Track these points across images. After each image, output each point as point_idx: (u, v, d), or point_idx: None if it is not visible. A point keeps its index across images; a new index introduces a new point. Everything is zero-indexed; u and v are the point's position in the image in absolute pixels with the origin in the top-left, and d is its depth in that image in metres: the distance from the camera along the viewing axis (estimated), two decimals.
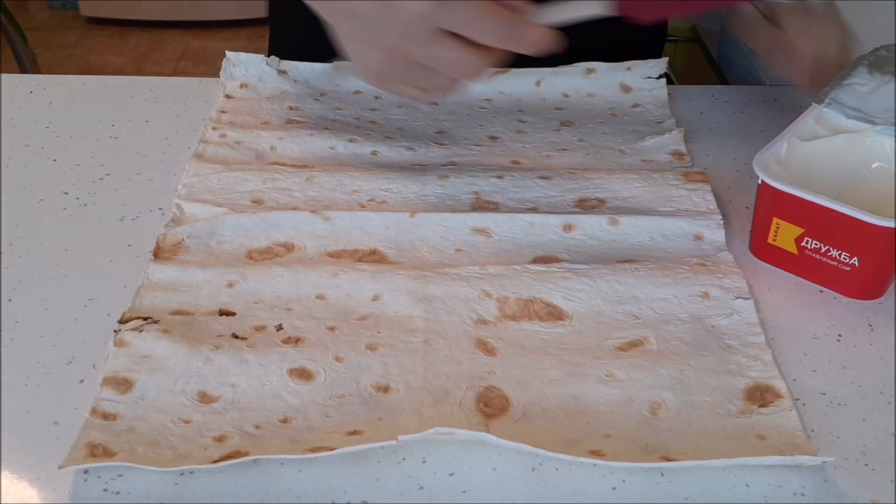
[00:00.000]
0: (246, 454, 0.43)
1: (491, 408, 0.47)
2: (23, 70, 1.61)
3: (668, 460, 0.43)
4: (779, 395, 0.47)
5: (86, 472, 0.43)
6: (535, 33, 0.54)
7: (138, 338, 0.50)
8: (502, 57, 0.55)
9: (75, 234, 0.59)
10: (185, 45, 2.78)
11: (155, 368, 0.48)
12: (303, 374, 0.48)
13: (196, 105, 0.74)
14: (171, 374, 0.48)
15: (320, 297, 0.53)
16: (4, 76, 0.77)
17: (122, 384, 0.47)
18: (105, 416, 0.45)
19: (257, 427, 0.45)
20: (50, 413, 0.47)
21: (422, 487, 0.43)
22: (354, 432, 0.45)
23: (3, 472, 0.44)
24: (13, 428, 0.46)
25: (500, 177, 0.64)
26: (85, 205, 0.62)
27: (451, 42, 0.53)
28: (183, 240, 0.57)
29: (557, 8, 0.56)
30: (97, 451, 0.43)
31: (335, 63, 0.76)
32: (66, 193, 0.63)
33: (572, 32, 0.73)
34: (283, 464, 0.44)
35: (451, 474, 0.44)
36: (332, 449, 0.43)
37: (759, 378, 0.48)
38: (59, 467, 0.42)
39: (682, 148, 0.68)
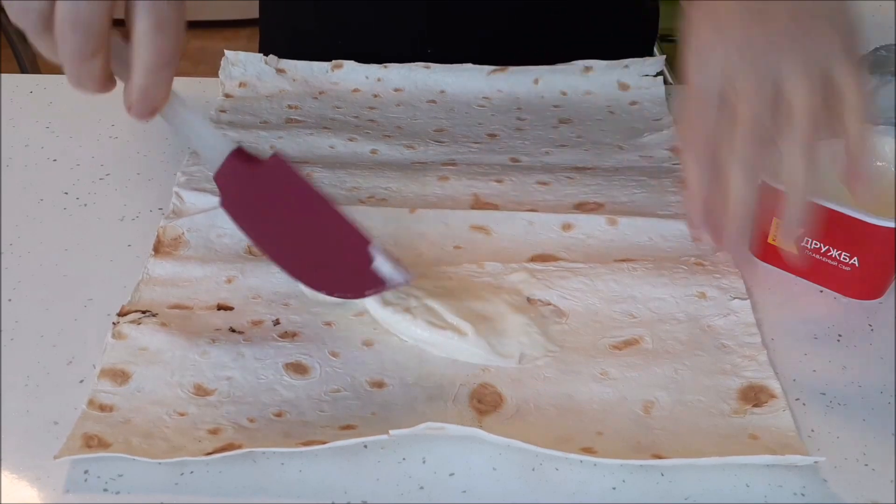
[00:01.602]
0: (239, 447, 0.43)
1: (484, 404, 0.47)
2: (23, 70, 1.61)
3: (659, 458, 0.43)
4: (773, 396, 0.47)
5: (86, 471, 0.43)
6: (150, 91, 0.43)
7: (136, 330, 0.50)
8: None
9: (75, 234, 0.59)
10: (185, 45, 2.78)
11: (152, 361, 0.48)
12: (298, 369, 0.48)
13: (196, 105, 0.73)
14: (167, 366, 0.48)
15: None
16: (4, 76, 0.77)
17: (119, 376, 0.47)
18: (101, 408, 0.45)
19: (251, 420, 0.45)
20: (50, 413, 0.47)
21: (422, 487, 0.43)
22: (348, 427, 0.45)
23: (2, 472, 0.44)
24: (13, 428, 0.46)
25: (499, 181, 0.64)
26: (85, 205, 0.62)
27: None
28: (183, 233, 0.58)
29: (191, 122, 0.49)
30: (92, 442, 0.43)
31: (333, 62, 0.77)
32: (66, 193, 0.63)
33: (566, 31, 0.73)
34: (282, 463, 0.44)
35: (451, 474, 0.44)
36: (324, 442, 0.43)
37: (753, 378, 0.48)
38: (55, 457, 0.42)
39: None
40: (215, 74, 0.77)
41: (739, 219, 0.45)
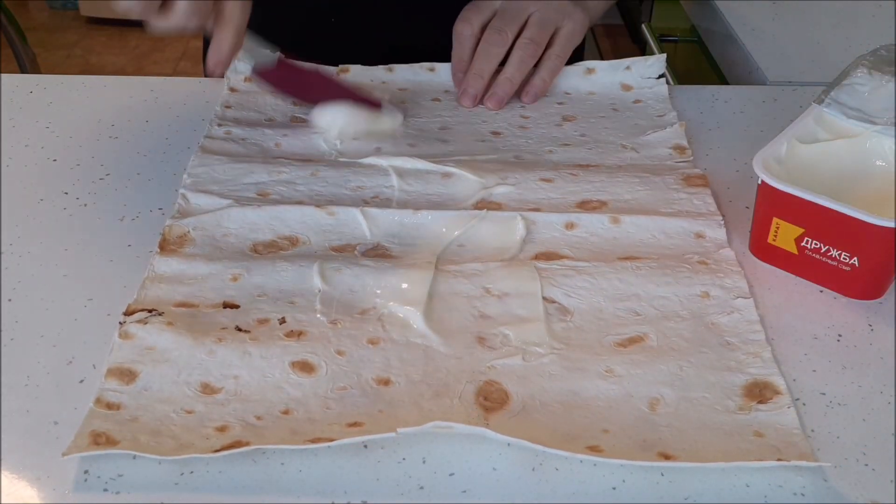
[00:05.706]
0: (247, 444, 0.43)
1: (490, 401, 0.47)
2: (23, 70, 1.61)
3: (666, 457, 0.43)
4: (777, 392, 0.47)
5: (86, 471, 0.43)
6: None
7: (143, 330, 0.50)
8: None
9: (75, 234, 0.59)
10: (185, 45, 2.78)
11: (159, 360, 0.48)
12: (304, 367, 0.48)
13: (196, 105, 0.74)
14: (174, 365, 0.48)
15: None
16: (4, 76, 0.77)
17: (127, 375, 0.47)
18: (109, 406, 0.46)
19: (259, 418, 0.45)
20: (50, 413, 0.47)
21: (422, 487, 0.43)
22: (355, 424, 0.45)
23: (3, 472, 0.44)
24: (13, 428, 0.46)
25: (503, 179, 0.64)
26: (85, 205, 0.62)
27: None
28: (188, 231, 0.58)
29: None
30: (101, 440, 0.43)
31: (340, 66, 0.77)
32: (66, 193, 0.63)
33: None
34: (283, 463, 0.44)
35: (451, 474, 0.44)
36: (331, 440, 0.43)
37: (758, 375, 0.48)
38: (63, 454, 0.42)
39: (684, 142, 0.68)
40: None
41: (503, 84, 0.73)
